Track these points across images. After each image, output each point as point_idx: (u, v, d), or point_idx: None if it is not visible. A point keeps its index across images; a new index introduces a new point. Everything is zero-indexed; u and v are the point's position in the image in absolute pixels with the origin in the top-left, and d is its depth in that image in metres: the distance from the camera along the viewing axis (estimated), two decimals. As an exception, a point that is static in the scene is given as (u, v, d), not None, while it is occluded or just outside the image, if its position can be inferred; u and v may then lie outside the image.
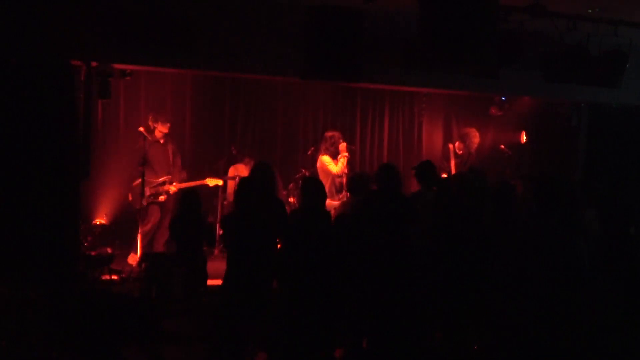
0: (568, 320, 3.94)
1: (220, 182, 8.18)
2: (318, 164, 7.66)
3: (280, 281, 4.97)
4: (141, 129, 7.67)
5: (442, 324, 4.83)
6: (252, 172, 5.26)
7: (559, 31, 6.87)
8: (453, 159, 8.75)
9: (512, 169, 9.05)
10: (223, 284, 5.24)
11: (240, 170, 8.57)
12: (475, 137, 8.82)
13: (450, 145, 8.90)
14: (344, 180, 7.41)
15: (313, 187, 5.03)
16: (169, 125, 7.93)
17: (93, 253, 7.06)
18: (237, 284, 5.00)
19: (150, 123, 7.89)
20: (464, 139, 8.84)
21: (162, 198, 7.88)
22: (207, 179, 8.11)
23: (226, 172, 8.77)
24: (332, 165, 7.50)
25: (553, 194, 4.33)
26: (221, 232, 8.30)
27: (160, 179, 7.86)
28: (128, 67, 6.97)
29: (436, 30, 5.63)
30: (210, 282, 6.07)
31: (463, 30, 5.51)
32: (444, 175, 8.38)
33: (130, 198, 7.95)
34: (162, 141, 7.91)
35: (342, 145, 7.59)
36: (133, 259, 7.45)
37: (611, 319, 3.81)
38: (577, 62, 7.18)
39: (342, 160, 7.52)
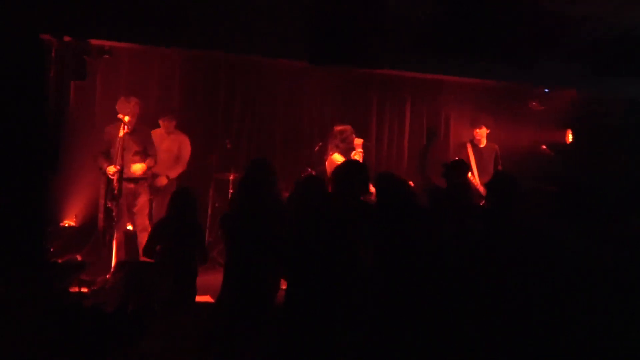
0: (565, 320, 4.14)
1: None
2: (328, 164, 7.54)
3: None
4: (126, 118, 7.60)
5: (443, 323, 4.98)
6: (246, 170, 5.34)
7: (607, 16, 6.78)
8: (473, 155, 8.65)
9: (553, 173, 8.95)
10: (219, 296, 5.29)
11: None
12: (489, 120, 8.81)
13: (468, 144, 8.85)
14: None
15: (314, 187, 5.05)
16: (129, 119, 7.74)
17: (60, 260, 7.03)
18: (234, 296, 5.11)
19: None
20: (477, 123, 8.79)
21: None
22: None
23: (220, 169, 8.70)
24: (346, 164, 7.39)
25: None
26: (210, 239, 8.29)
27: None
28: (107, 44, 6.92)
29: (466, 10, 5.58)
30: (198, 298, 6.01)
31: (495, 10, 5.46)
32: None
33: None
34: (127, 130, 7.75)
35: (358, 141, 7.48)
36: None
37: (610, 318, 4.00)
38: (628, 51, 7.12)
39: (357, 157, 7.39)
